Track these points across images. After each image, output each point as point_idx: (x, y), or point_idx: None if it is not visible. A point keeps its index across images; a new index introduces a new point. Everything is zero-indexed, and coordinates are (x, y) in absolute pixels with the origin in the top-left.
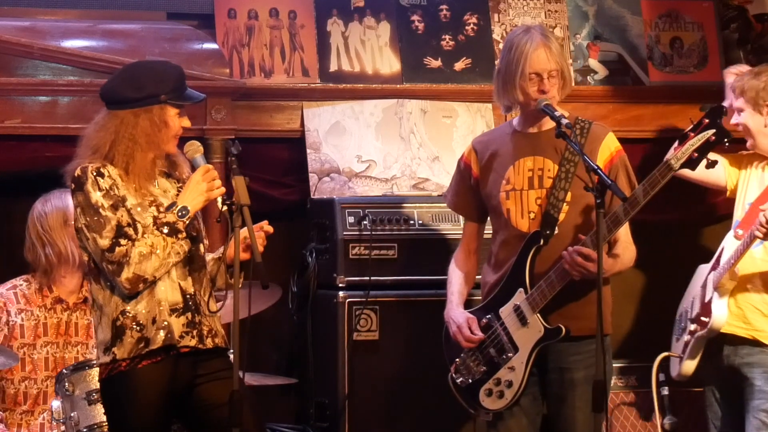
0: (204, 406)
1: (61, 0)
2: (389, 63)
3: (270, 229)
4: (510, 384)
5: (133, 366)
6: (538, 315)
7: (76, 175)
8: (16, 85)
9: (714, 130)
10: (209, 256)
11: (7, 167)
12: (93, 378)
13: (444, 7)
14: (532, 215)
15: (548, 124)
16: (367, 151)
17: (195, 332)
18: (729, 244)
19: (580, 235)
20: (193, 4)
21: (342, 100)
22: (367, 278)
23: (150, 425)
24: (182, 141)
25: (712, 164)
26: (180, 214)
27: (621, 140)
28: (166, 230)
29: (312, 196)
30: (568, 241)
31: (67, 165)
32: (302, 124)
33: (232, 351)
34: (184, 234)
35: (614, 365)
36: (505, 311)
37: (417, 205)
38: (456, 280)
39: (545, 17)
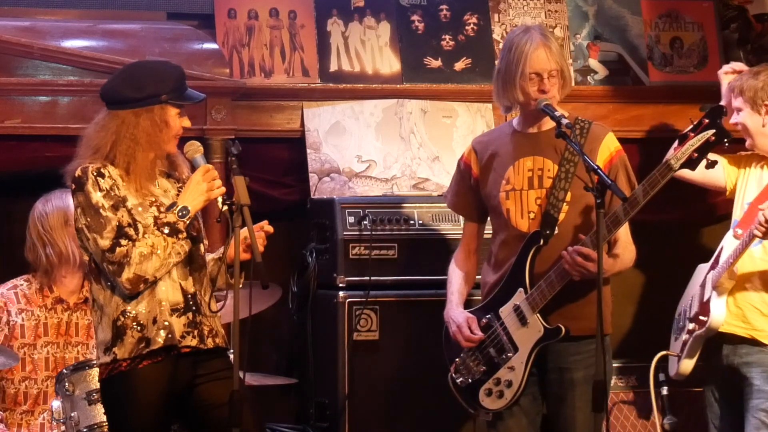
0: (204, 406)
1: (61, 0)
2: (389, 63)
3: (270, 229)
4: (510, 384)
5: (133, 366)
6: (538, 315)
7: (76, 175)
8: (16, 85)
9: (714, 130)
10: (209, 256)
11: (7, 167)
12: (93, 378)
13: (444, 7)
14: (531, 215)
15: (548, 124)
16: (367, 151)
17: (196, 332)
18: (728, 244)
19: (581, 235)
20: (193, 4)
21: (342, 100)
22: (367, 278)
23: (150, 425)
24: (182, 141)
25: (711, 164)
26: (180, 214)
27: (621, 140)
28: (166, 230)
29: (312, 196)
30: (568, 241)
31: (67, 165)
32: (302, 124)
33: (232, 351)
34: (185, 234)
35: (614, 365)
36: (505, 311)
37: (417, 205)
38: (456, 280)
39: (545, 17)
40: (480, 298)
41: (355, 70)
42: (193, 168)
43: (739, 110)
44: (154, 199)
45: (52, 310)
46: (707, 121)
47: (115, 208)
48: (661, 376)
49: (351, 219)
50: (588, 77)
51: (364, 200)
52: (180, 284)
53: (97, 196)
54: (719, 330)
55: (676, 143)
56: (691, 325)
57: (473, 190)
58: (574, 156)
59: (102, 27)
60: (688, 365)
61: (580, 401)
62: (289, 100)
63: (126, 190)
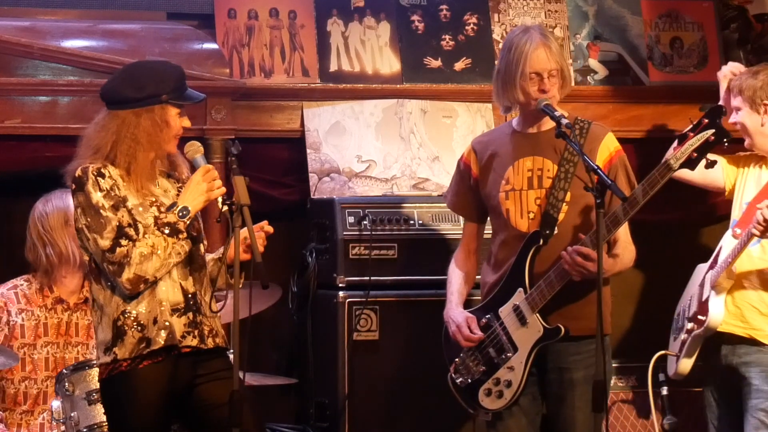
0: (204, 406)
1: (61, 0)
2: (389, 63)
3: (270, 229)
4: (509, 384)
5: (134, 366)
6: (538, 315)
7: (76, 175)
8: (16, 85)
9: (713, 130)
10: (209, 257)
11: (7, 167)
12: (93, 378)
13: (444, 7)
14: (531, 215)
15: (548, 124)
16: (367, 151)
17: (196, 332)
18: (727, 244)
19: (581, 234)
20: (193, 4)
21: (342, 100)
22: (367, 278)
23: (150, 425)
24: (182, 141)
25: (711, 164)
26: (181, 214)
27: (621, 140)
28: (167, 230)
29: (312, 196)
30: (568, 241)
31: (67, 165)
32: (302, 124)
33: (232, 351)
34: (185, 234)
35: (613, 365)
36: (505, 311)
37: (417, 205)
38: (456, 280)
39: (545, 17)
40: (480, 298)
41: (355, 70)
42: (194, 168)
43: (737, 109)
44: (154, 199)
45: (52, 310)
46: (707, 120)
47: (115, 208)
48: (661, 376)
49: (351, 219)
50: (588, 77)
51: (364, 200)
52: (180, 284)
53: (97, 196)
54: (718, 329)
55: (675, 143)
56: (689, 325)
57: (473, 190)
58: (573, 156)
59: (102, 27)
60: (686, 365)
61: (580, 401)
62: (289, 100)
63: (126, 190)
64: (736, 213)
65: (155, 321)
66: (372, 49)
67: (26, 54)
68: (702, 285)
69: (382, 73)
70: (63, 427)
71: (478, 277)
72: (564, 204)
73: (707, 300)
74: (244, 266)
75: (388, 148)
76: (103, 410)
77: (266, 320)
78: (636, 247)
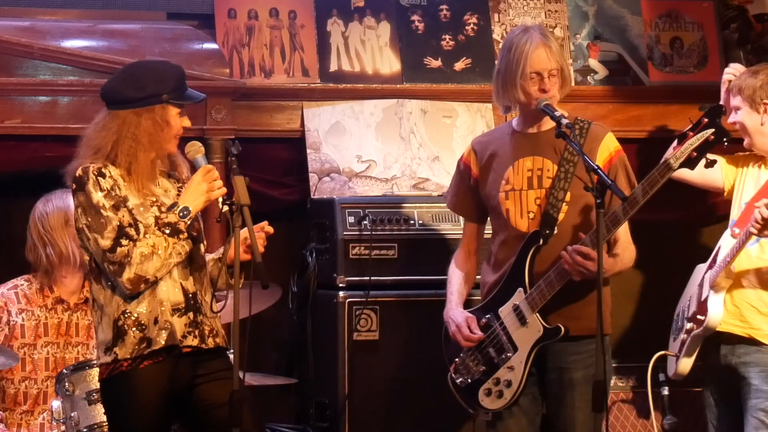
0: (204, 406)
1: (61, 0)
2: (389, 63)
3: (270, 229)
4: (509, 384)
5: (134, 366)
6: (538, 315)
7: (77, 175)
8: (16, 85)
9: (713, 130)
10: (209, 257)
11: (7, 167)
12: (93, 378)
13: (444, 7)
14: (531, 215)
15: (547, 124)
16: (367, 151)
17: (197, 332)
18: (725, 243)
19: (581, 234)
20: (193, 4)
21: (342, 100)
22: (367, 278)
23: (150, 425)
24: (182, 141)
25: (711, 164)
26: (181, 214)
27: (621, 140)
28: (167, 231)
29: (312, 196)
30: (568, 240)
31: (67, 165)
32: (302, 124)
33: (232, 351)
34: (186, 234)
35: (613, 365)
36: (505, 311)
37: (417, 205)
38: (456, 280)
39: (545, 17)
40: (480, 298)
41: (355, 70)
42: (194, 168)
43: (737, 109)
44: (155, 199)
45: (52, 310)
46: (706, 120)
47: (116, 208)
48: (661, 377)
49: (351, 219)
50: (588, 77)
51: (364, 200)
52: (181, 284)
53: (98, 196)
54: (717, 329)
55: (675, 143)
56: (689, 325)
57: (473, 190)
58: (573, 156)
59: (102, 27)
60: (686, 365)
61: (580, 401)
62: (289, 100)
63: (127, 190)
64: (735, 213)
65: (156, 321)
66: (372, 49)
67: (26, 54)
68: (701, 285)
69: (382, 73)
70: (63, 427)
71: (478, 277)
72: (564, 204)
73: (706, 300)
74: (244, 266)
75: (388, 148)
76: (103, 410)
77: (266, 320)
78: (636, 247)
